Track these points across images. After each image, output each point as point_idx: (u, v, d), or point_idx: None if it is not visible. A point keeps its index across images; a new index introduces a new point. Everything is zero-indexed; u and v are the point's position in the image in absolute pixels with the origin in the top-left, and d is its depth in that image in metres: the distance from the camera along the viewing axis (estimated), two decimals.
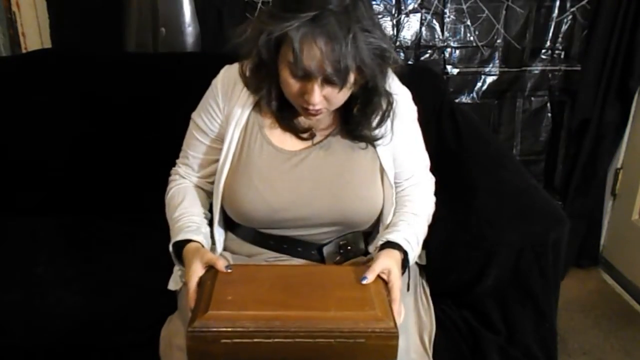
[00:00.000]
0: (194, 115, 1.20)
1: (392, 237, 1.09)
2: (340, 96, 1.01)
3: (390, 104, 1.10)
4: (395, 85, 1.15)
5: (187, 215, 1.14)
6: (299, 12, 0.91)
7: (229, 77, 1.15)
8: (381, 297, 0.93)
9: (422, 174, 1.23)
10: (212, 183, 1.18)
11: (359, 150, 1.13)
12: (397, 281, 1.01)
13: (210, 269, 1.00)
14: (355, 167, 1.12)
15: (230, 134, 1.13)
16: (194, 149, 1.21)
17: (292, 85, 1.00)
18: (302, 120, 1.13)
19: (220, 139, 1.17)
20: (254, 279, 0.96)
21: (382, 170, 1.14)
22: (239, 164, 1.12)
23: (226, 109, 1.14)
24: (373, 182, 1.13)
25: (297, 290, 0.93)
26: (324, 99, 1.00)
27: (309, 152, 1.12)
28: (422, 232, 1.17)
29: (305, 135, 1.13)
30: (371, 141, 1.12)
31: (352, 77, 0.98)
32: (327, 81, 0.97)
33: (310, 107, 1.00)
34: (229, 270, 0.99)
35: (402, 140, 1.16)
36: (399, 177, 1.19)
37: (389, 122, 1.12)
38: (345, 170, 1.11)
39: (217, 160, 1.16)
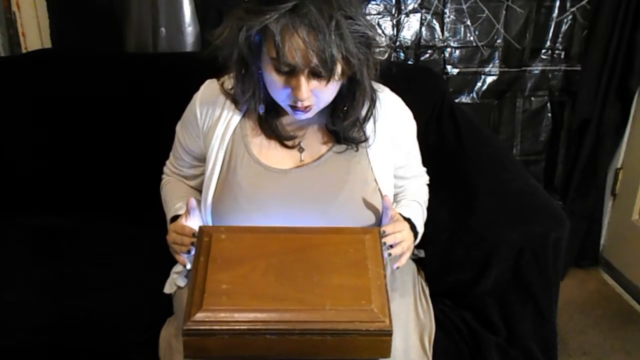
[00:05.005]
0: (178, 127, 1.19)
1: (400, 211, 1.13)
2: (328, 90, 0.98)
3: (374, 101, 1.08)
4: (389, 97, 1.14)
5: (185, 199, 1.14)
6: (277, 3, 0.88)
7: (210, 92, 1.12)
8: (379, 283, 0.91)
9: (418, 174, 1.27)
10: (201, 192, 1.16)
11: (355, 170, 1.09)
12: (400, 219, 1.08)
13: (202, 242, 0.97)
14: (351, 188, 1.08)
15: (215, 153, 1.09)
16: (179, 162, 1.22)
17: (277, 82, 0.96)
18: (287, 124, 1.10)
19: (201, 158, 1.15)
20: (248, 258, 0.93)
21: (379, 190, 1.11)
22: (225, 184, 1.08)
23: (205, 128, 1.11)
24: (369, 202, 1.10)
25: (292, 277, 0.91)
26: (312, 93, 0.97)
27: (300, 172, 1.08)
28: (422, 215, 1.20)
29: (290, 143, 1.09)
30: (357, 142, 1.09)
31: (338, 68, 0.94)
32: (313, 74, 0.94)
33: (299, 104, 0.97)
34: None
35: (402, 153, 1.16)
36: (396, 183, 1.20)
37: (371, 122, 1.09)
38: (341, 191, 1.08)
39: (202, 175, 1.14)
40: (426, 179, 1.29)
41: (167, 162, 1.27)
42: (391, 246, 1.04)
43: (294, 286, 0.90)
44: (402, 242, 1.06)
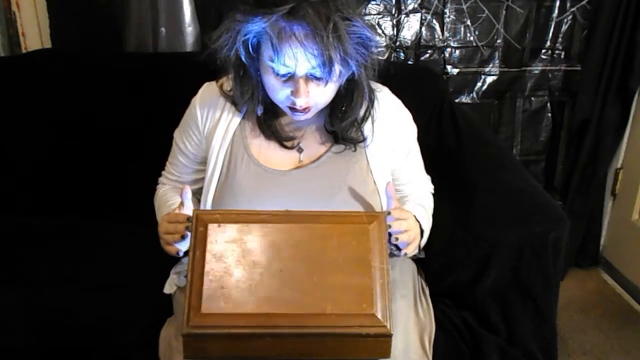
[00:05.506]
0: (176, 134, 1.17)
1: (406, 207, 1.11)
2: (326, 91, 0.98)
3: (372, 102, 1.08)
4: (388, 97, 1.13)
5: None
6: (274, 6, 0.87)
7: (209, 94, 1.12)
8: (382, 282, 0.89)
9: (419, 179, 1.25)
10: (199, 199, 1.15)
11: (354, 171, 1.09)
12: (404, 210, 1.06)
13: (198, 232, 0.94)
14: (350, 189, 1.08)
15: (215, 156, 1.09)
16: (178, 169, 1.20)
17: (276, 85, 0.96)
18: (286, 125, 1.09)
19: (202, 162, 1.14)
20: (247, 253, 0.91)
21: (377, 191, 1.11)
22: (225, 186, 1.08)
23: (206, 130, 1.11)
24: (368, 203, 1.09)
25: (292, 276, 0.89)
26: (311, 95, 0.96)
27: (300, 173, 1.08)
28: (427, 219, 1.18)
29: (289, 144, 1.09)
30: (355, 142, 1.08)
31: (337, 70, 0.93)
32: (311, 76, 0.94)
33: (298, 105, 0.97)
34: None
35: (400, 154, 1.16)
36: (396, 186, 1.19)
37: (370, 122, 1.09)
38: (340, 192, 1.07)
39: (202, 180, 1.14)
40: (430, 187, 1.27)
41: (163, 172, 1.25)
42: (390, 235, 1.01)
43: (294, 287, 0.88)
44: (407, 230, 1.03)
